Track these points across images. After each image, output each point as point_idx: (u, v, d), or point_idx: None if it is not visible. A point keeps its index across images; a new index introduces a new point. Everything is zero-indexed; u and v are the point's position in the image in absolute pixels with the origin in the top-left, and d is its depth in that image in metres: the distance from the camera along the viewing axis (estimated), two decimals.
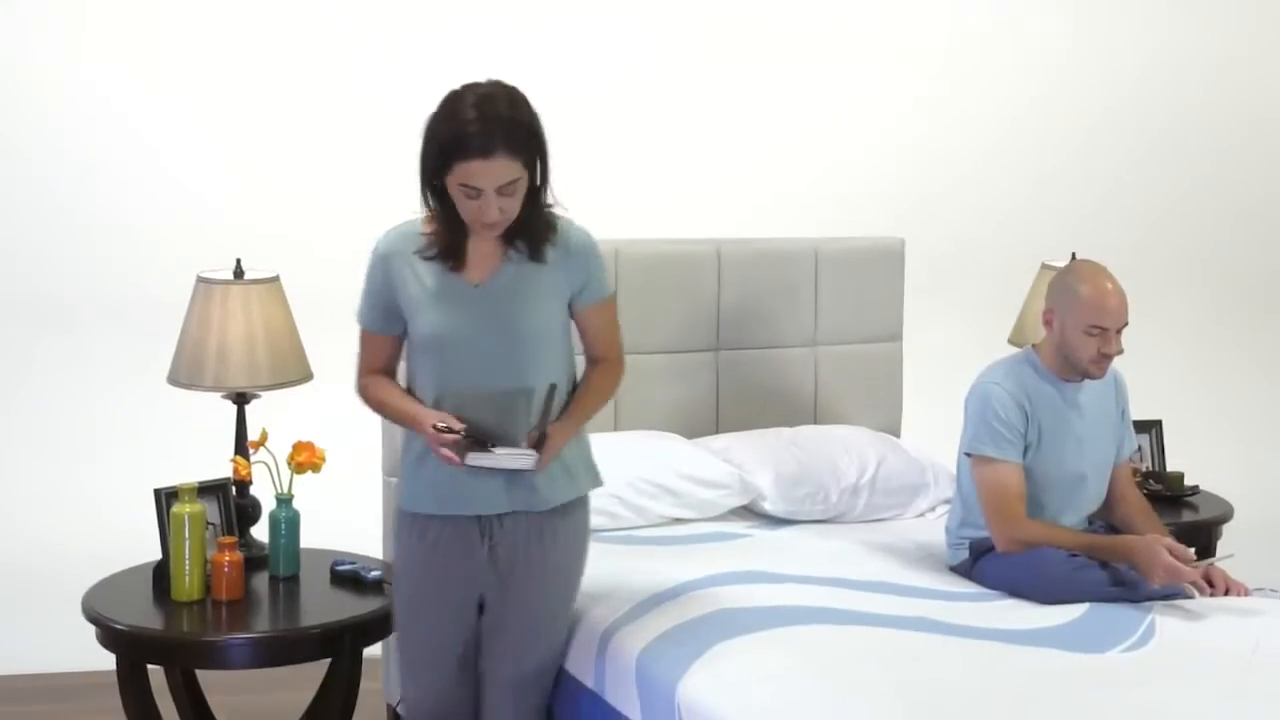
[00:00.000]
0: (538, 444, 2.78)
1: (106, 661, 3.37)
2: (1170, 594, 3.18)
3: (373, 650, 3.79)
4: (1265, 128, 6.22)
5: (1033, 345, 3.54)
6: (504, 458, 2.76)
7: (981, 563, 3.42)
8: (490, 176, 2.71)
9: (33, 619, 4.66)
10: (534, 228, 2.84)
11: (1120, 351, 3.41)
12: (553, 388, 2.85)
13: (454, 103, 2.78)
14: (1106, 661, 2.82)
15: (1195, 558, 3.21)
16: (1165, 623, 3.03)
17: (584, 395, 2.96)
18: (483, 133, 2.70)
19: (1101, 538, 3.38)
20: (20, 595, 4.77)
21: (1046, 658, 2.83)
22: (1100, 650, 2.88)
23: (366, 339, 3.05)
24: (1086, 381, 3.46)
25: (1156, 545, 3.18)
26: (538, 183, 2.82)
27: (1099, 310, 3.33)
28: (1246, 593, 3.24)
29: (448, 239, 2.86)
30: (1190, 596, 3.21)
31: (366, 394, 3.06)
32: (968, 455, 3.45)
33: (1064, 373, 3.44)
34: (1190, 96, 6.07)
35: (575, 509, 3.00)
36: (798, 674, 2.71)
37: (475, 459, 2.75)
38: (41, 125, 4.98)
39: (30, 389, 5.04)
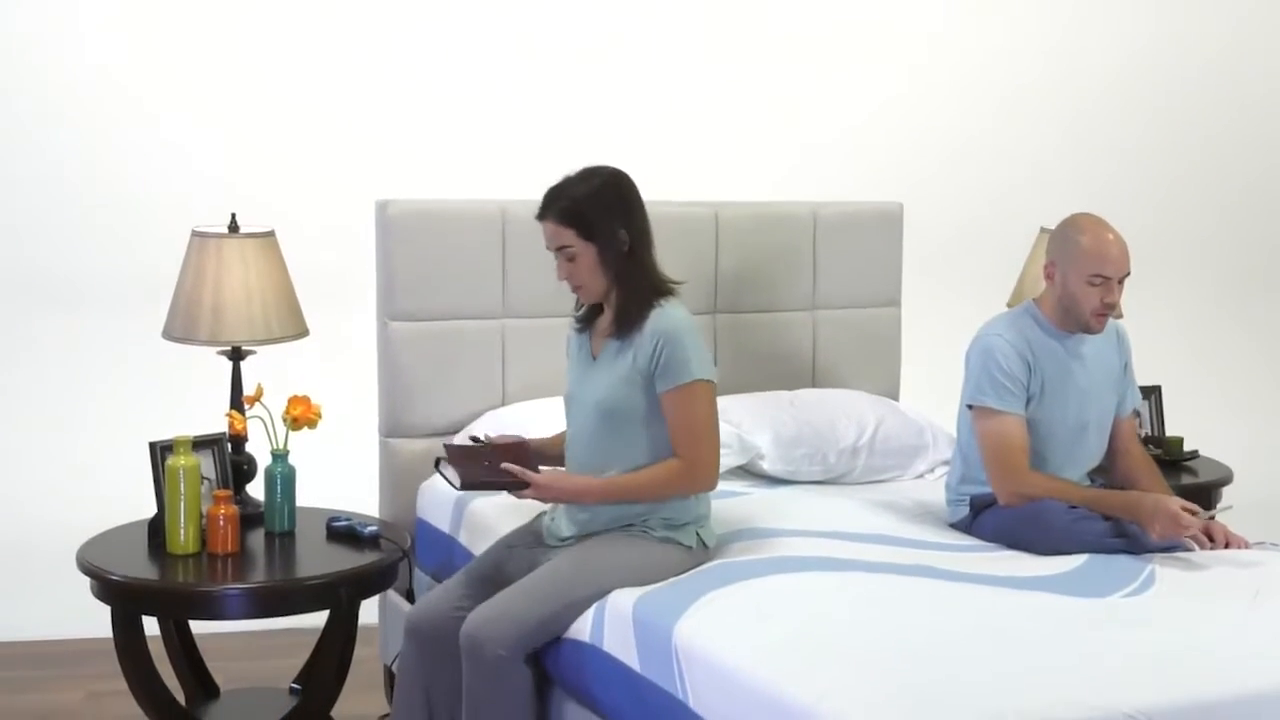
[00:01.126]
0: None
1: (106, 628, 3.35)
2: (1170, 547, 3.17)
3: (369, 617, 3.79)
4: (1269, 102, 6.20)
5: (1033, 299, 3.52)
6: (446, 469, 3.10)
7: (981, 517, 3.40)
8: (546, 238, 3.07)
9: (32, 586, 4.65)
10: (619, 305, 3.06)
11: (1121, 314, 3.39)
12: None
13: None
14: (1107, 605, 2.80)
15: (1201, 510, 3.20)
16: (1165, 571, 3.02)
17: (625, 476, 3.04)
18: (543, 199, 3.07)
19: (1106, 491, 3.37)
20: (19, 562, 4.75)
21: (1046, 601, 2.81)
22: (1101, 595, 2.86)
23: None
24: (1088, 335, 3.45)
25: (1166, 499, 3.18)
26: (609, 261, 3.02)
27: (1101, 259, 3.32)
28: (1247, 546, 3.22)
29: (585, 307, 3.18)
30: (1190, 550, 3.19)
31: None
32: (969, 407, 3.43)
33: (1065, 325, 3.43)
34: (1193, 69, 6.06)
35: (629, 534, 3.06)
36: (794, 615, 2.69)
37: (442, 466, 3.12)
38: (42, 99, 4.96)
39: (28, 361, 5.03)
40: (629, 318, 3.04)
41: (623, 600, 2.88)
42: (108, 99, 4.94)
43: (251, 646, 4.38)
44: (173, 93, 4.99)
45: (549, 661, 3.00)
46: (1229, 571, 3.04)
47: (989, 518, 3.37)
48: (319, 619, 3.50)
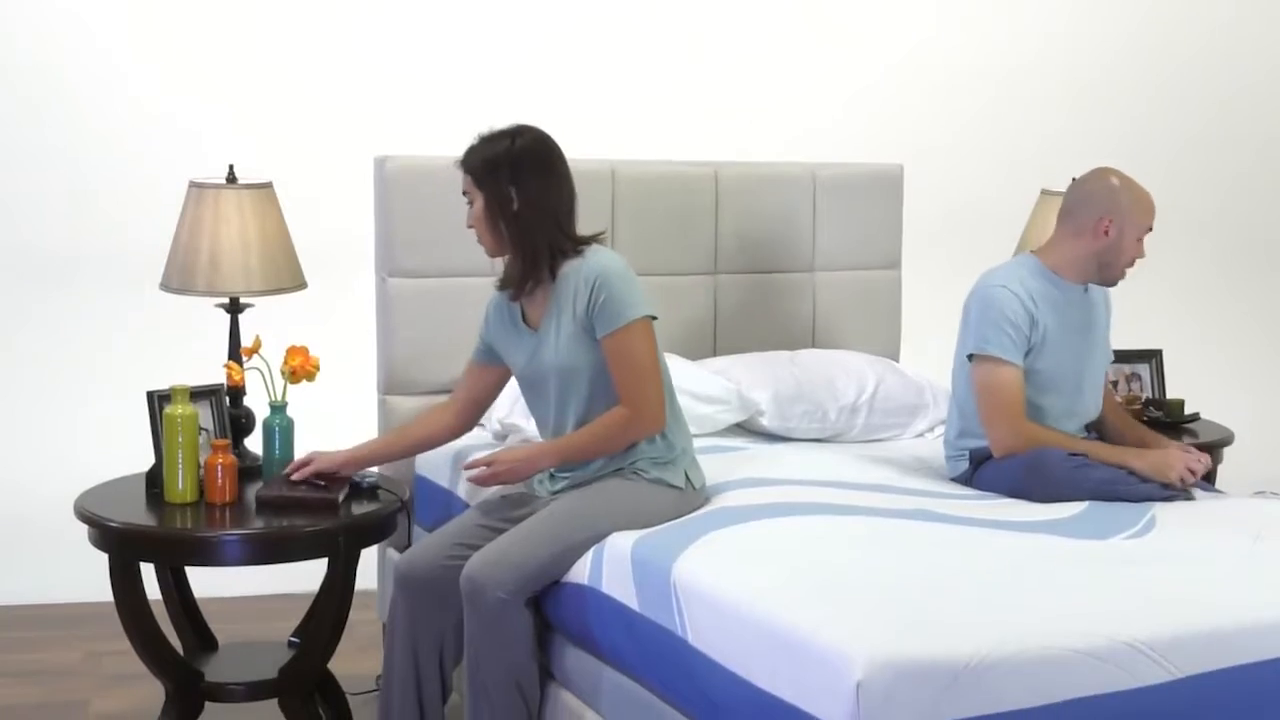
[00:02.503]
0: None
1: (105, 593, 3.33)
2: (1170, 496, 3.17)
3: (368, 581, 3.78)
4: (1274, 76, 6.19)
5: (1031, 251, 3.53)
6: None
7: (981, 470, 3.39)
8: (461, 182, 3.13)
9: (33, 552, 4.67)
10: (517, 261, 3.10)
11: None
12: None
13: None
14: (1108, 546, 2.80)
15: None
16: (1167, 516, 3.02)
17: (574, 434, 3.07)
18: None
19: (1106, 445, 3.36)
20: (20, 529, 4.76)
21: (1047, 542, 2.81)
22: (1102, 537, 2.86)
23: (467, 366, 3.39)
24: (1091, 287, 3.48)
25: (1174, 451, 3.21)
26: (495, 215, 3.07)
27: (1150, 211, 3.41)
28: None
29: (506, 271, 3.19)
30: (1192, 499, 3.19)
31: None
32: (970, 357, 3.41)
33: (1084, 278, 3.45)
34: (1199, 40, 6.06)
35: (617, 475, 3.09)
36: (793, 554, 2.69)
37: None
38: (36, 72, 4.96)
39: (27, 329, 5.02)
40: (518, 279, 3.10)
41: (621, 542, 2.87)
42: (99, 62, 4.92)
43: (250, 609, 4.39)
44: (167, 53, 4.97)
45: (549, 606, 3.00)
46: (1230, 516, 3.05)
47: (989, 470, 3.37)
48: (316, 583, 3.49)
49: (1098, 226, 3.38)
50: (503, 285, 3.19)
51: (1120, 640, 2.29)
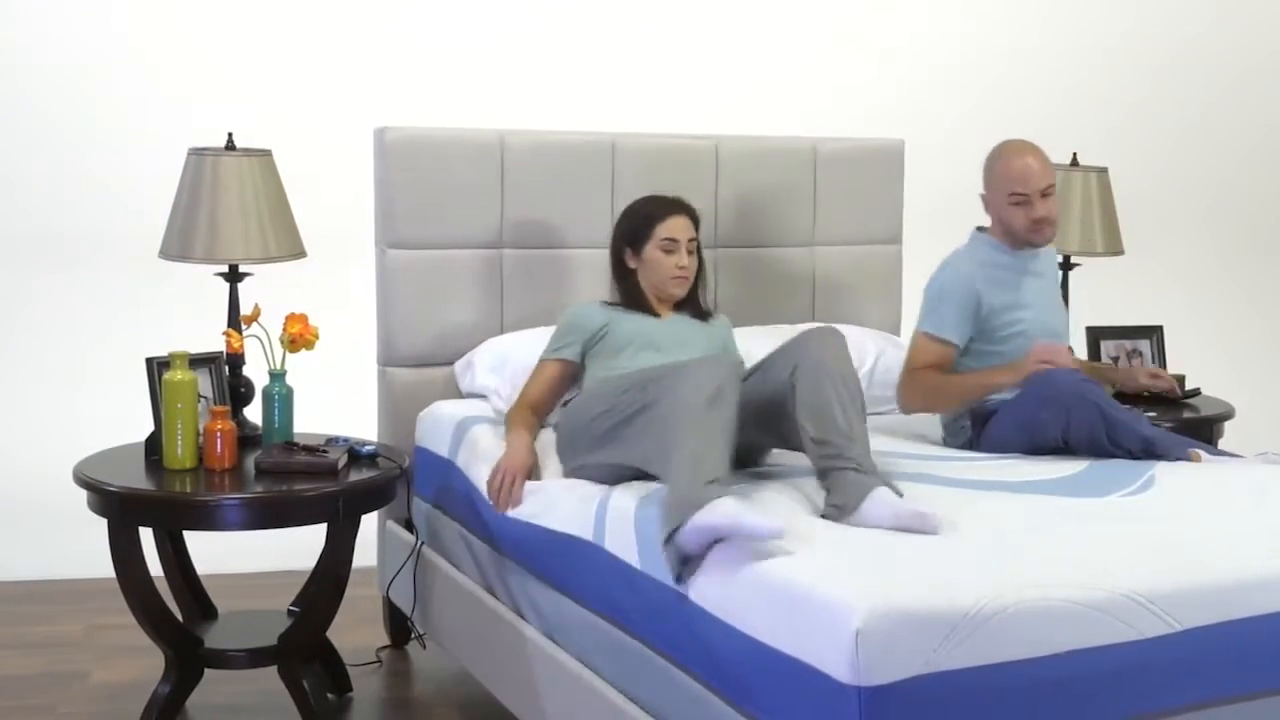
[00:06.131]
0: None
1: (106, 569, 3.33)
2: (1158, 456, 3.20)
3: (368, 559, 3.78)
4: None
5: (979, 227, 3.64)
6: None
7: (989, 425, 3.41)
8: (681, 230, 3.52)
9: (38, 531, 4.68)
10: (691, 294, 3.58)
11: (1053, 224, 3.49)
12: None
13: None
14: (1106, 504, 2.80)
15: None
16: (1166, 476, 3.02)
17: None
18: (680, 199, 3.58)
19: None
20: (25, 508, 4.76)
21: (1045, 502, 2.81)
22: (1100, 495, 2.86)
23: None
24: (1040, 251, 3.61)
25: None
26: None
27: (1014, 178, 3.48)
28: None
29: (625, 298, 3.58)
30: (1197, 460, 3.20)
31: None
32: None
33: (1016, 245, 3.57)
34: (1204, 20, 6.06)
35: None
36: (792, 512, 2.69)
37: None
38: (41, 49, 4.96)
39: (30, 311, 5.03)
40: (695, 302, 3.56)
41: (624, 501, 2.88)
42: (97, 34, 4.93)
43: (249, 585, 4.38)
44: (165, 26, 4.98)
45: (549, 563, 3.01)
46: (1230, 477, 3.04)
47: (998, 421, 3.39)
48: (315, 559, 3.48)
49: (983, 202, 3.59)
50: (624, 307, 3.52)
51: (1120, 593, 2.29)
